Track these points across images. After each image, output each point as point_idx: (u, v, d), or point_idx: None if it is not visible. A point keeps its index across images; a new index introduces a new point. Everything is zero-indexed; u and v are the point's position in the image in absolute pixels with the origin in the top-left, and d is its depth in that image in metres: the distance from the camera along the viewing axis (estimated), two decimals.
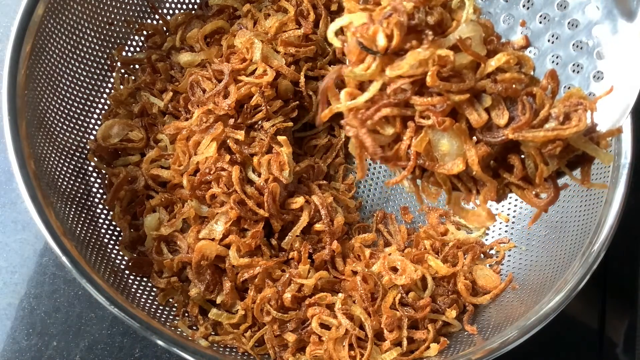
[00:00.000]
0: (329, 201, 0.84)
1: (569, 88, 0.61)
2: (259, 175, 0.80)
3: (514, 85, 0.52)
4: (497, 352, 0.69)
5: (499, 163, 0.54)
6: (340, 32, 0.55)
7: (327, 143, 0.92)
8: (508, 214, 0.90)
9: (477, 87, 0.51)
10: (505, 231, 0.89)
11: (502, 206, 0.91)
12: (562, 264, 0.77)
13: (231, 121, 0.81)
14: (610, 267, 0.89)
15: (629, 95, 0.58)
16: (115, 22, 0.88)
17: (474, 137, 0.52)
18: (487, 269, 0.85)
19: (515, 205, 0.90)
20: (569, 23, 0.60)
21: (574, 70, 0.61)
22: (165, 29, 0.92)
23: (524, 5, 0.61)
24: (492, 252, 0.88)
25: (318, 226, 0.81)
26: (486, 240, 0.90)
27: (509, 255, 0.86)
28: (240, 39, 0.84)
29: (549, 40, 0.61)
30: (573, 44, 0.61)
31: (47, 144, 0.78)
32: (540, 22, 0.61)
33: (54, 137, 0.80)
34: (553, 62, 0.61)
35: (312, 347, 0.74)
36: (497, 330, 0.75)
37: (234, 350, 0.76)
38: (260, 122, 0.83)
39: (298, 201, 0.81)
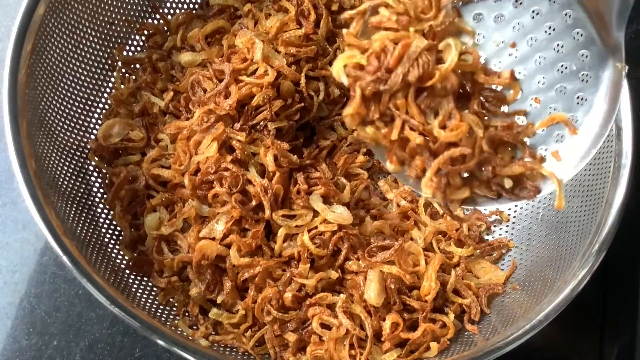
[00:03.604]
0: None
1: (554, 109, 0.63)
2: (261, 175, 0.80)
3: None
4: (498, 352, 0.69)
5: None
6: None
7: (330, 144, 0.92)
8: (509, 214, 0.90)
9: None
10: (506, 231, 0.89)
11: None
12: (562, 264, 0.77)
13: (236, 126, 0.81)
14: (610, 267, 0.89)
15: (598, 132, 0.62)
16: (116, 22, 0.88)
17: None
18: (484, 262, 0.85)
19: (516, 206, 0.90)
20: (555, 46, 0.62)
21: (559, 91, 0.63)
22: (166, 28, 0.92)
23: (513, 28, 0.63)
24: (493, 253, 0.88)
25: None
26: (487, 237, 0.90)
27: (509, 255, 0.86)
28: (241, 39, 0.84)
29: (536, 61, 0.63)
30: (558, 68, 0.63)
31: (47, 144, 0.78)
32: (529, 45, 0.63)
33: (55, 136, 0.80)
34: (539, 82, 0.63)
35: (313, 347, 0.74)
36: (497, 330, 0.76)
37: (235, 350, 0.76)
38: (262, 123, 0.82)
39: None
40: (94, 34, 0.86)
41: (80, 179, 0.82)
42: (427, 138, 0.60)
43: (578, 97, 0.62)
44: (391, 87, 0.58)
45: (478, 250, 0.86)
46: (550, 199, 0.86)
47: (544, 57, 0.62)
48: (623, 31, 0.59)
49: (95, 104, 0.87)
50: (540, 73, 0.63)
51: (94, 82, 0.87)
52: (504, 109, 0.63)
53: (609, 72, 0.61)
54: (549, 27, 0.61)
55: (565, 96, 0.62)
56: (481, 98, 0.62)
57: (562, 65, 0.62)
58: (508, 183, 0.61)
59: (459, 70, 0.60)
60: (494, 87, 0.62)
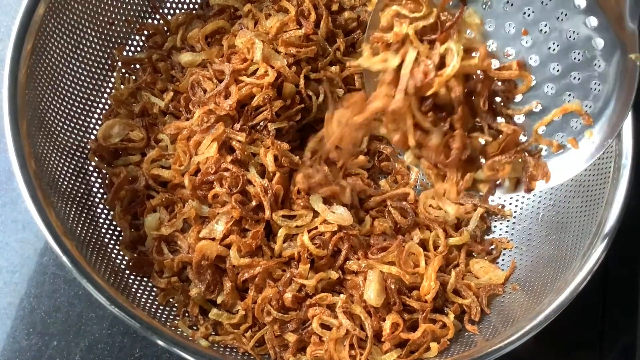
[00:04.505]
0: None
1: (570, 95, 0.64)
2: (262, 174, 0.80)
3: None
4: (498, 353, 0.69)
5: None
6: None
7: None
8: (509, 208, 0.90)
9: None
10: (506, 231, 0.89)
11: (504, 201, 0.91)
12: (562, 264, 0.77)
13: (236, 126, 0.81)
14: (610, 268, 0.89)
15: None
16: (116, 22, 0.88)
17: None
18: (483, 262, 0.85)
19: (517, 206, 0.90)
20: (568, 33, 0.62)
21: (574, 79, 0.63)
22: (166, 28, 0.92)
23: (524, 14, 0.63)
24: (493, 249, 0.88)
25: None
26: (487, 236, 0.90)
27: (509, 256, 0.86)
28: (241, 39, 0.84)
29: (549, 48, 0.63)
30: (572, 56, 0.63)
31: (47, 144, 0.78)
32: (541, 32, 0.63)
33: (55, 136, 0.80)
34: (554, 69, 0.64)
35: (313, 347, 0.75)
36: (497, 331, 0.76)
37: (235, 350, 0.76)
38: (262, 123, 0.82)
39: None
40: (94, 34, 0.86)
41: (80, 179, 0.82)
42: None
43: (593, 86, 0.62)
44: (398, 109, 0.62)
45: (477, 253, 0.86)
46: (550, 199, 0.86)
47: (557, 44, 0.62)
48: (637, 22, 0.59)
49: (95, 104, 0.87)
50: (554, 60, 0.63)
51: (94, 82, 0.87)
52: (519, 97, 0.65)
53: (624, 61, 0.60)
54: (561, 13, 0.61)
55: (581, 84, 0.62)
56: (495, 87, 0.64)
57: (576, 53, 0.62)
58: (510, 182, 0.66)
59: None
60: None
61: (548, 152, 0.67)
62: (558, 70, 0.63)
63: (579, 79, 0.62)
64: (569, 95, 0.63)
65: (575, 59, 0.62)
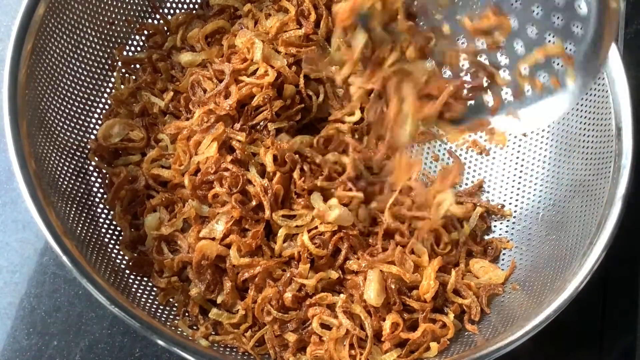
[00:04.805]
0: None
1: (552, 37, 0.63)
2: (262, 174, 0.80)
3: None
4: (498, 353, 0.69)
5: None
6: None
7: None
8: (508, 208, 0.90)
9: None
10: (506, 231, 0.89)
11: (504, 201, 0.91)
12: (562, 264, 0.77)
13: (236, 126, 0.81)
14: (610, 268, 0.89)
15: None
16: (116, 22, 0.88)
17: None
18: (483, 261, 0.85)
19: (516, 206, 0.90)
20: None
21: (555, 21, 0.63)
22: (166, 28, 0.92)
23: None
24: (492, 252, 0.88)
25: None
26: (487, 236, 0.90)
27: (509, 256, 0.86)
28: (241, 39, 0.84)
29: None
30: None
31: (47, 144, 0.78)
32: None
33: (55, 136, 0.80)
34: (536, 11, 0.63)
35: (313, 347, 0.74)
36: (497, 330, 0.76)
37: (235, 350, 0.76)
38: (262, 123, 0.83)
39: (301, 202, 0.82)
40: (94, 34, 0.86)
41: (80, 179, 0.82)
42: None
43: (575, 28, 0.62)
44: None
45: (477, 253, 0.86)
46: (550, 198, 0.86)
47: None
48: None
49: (95, 104, 0.87)
50: (536, 3, 0.63)
51: (94, 82, 0.87)
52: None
53: (605, 4, 0.59)
54: None
55: (563, 26, 0.62)
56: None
57: None
58: None
59: None
60: None
61: (532, 95, 0.67)
62: (541, 9, 0.63)
63: (560, 21, 0.62)
64: (551, 36, 0.63)
65: (557, 2, 0.62)
